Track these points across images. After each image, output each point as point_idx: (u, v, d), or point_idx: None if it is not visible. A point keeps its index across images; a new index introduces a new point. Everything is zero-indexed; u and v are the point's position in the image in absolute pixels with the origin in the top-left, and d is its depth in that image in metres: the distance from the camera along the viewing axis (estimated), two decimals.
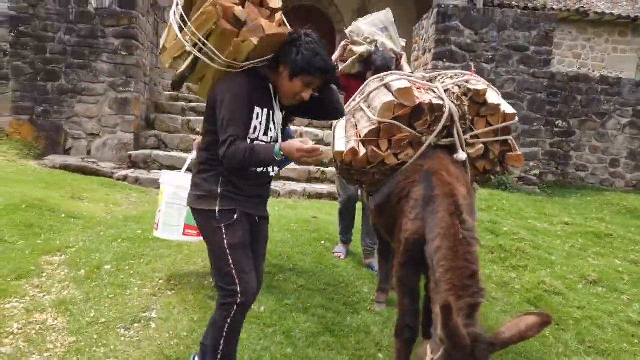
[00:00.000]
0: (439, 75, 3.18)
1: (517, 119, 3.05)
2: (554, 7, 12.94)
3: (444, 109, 2.78)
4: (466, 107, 2.88)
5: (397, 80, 2.89)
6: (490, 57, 8.48)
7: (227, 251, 2.20)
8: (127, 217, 5.04)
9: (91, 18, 7.95)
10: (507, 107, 2.96)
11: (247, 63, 2.23)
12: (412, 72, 3.70)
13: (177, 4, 2.24)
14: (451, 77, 3.06)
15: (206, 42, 2.16)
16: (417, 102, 2.76)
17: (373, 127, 2.78)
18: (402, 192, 2.77)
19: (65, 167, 7.30)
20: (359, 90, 3.22)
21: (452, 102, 2.84)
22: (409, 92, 2.75)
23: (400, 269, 2.72)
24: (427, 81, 3.06)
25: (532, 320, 2.05)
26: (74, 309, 3.07)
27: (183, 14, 2.20)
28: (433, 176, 2.62)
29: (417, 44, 9.71)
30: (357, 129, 2.92)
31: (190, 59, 2.24)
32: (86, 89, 7.99)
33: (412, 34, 10.07)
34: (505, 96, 7.90)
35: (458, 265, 2.24)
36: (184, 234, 3.42)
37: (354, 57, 4.16)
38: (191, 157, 3.47)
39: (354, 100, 3.18)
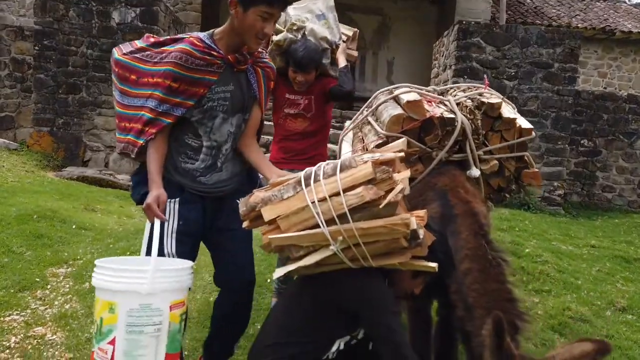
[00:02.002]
0: (451, 88, 3.04)
1: (534, 134, 2.88)
2: (579, 25, 12.72)
3: (456, 123, 2.64)
4: (479, 122, 2.72)
5: (406, 92, 2.77)
6: (513, 74, 8.31)
7: None
8: (138, 230, 4.98)
9: (113, 33, 8.08)
10: (523, 122, 2.81)
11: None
12: (346, 66, 3.17)
13: (341, 192, 1.79)
14: (464, 90, 2.92)
15: (365, 249, 1.82)
16: (427, 115, 2.62)
17: (380, 141, 2.65)
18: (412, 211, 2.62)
19: (83, 179, 7.35)
20: (367, 103, 3.09)
21: (464, 115, 2.70)
22: (418, 105, 2.61)
23: (412, 295, 2.56)
24: (439, 94, 2.93)
25: (587, 347, 1.86)
26: (74, 324, 2.99)
27: (347, 212, 1.77)
28: (449, 193, 2.47)
29: (438, 60, 9.60)
30: (364, 143, 2.79)
31: (324, 254, 1.83)
32: (106, 101, 8.09)
33: (432, 51, 9.97)
34: (528, 114, 7.79)
35: (493, 288, 2.07)
36: None
37: (271, 47, 3.17)
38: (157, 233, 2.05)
39: (361, 113, 3.05)
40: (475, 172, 2.68)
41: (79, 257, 4.01)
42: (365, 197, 1.76)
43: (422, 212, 2.03)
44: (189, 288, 2.08)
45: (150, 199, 2.04)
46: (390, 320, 1.87)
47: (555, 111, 8.34)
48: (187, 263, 2.09)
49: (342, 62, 3.19)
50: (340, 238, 1.79)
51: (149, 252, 2.14)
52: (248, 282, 2.37)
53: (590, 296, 4.48)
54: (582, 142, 9.13)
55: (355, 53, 3.45)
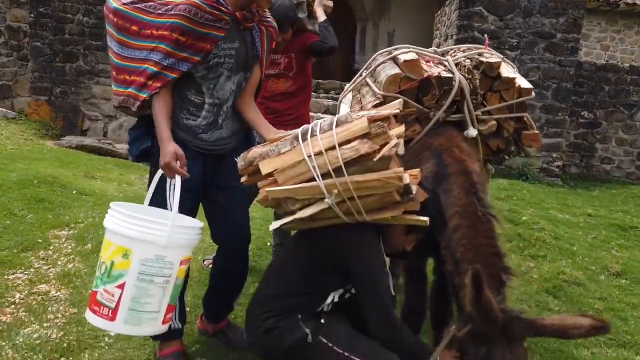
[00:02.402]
0: (451, 49, 3.02)
1: (533, 94, 2.88)
2: None
3: (453, 83, 2.63)
4: (477, 81, 2.71)
5: (405, 52, 2.75)
6: (515, 44, 8.22)
7: None
8: (139, 196, 5.01)
9: None
10: (522, 81, 2.80)
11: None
12: (326, 20, 3.10)
13: (336, 146, 1.82)
14: (463, 51, 2.90)
15: (359, 203, 1.84)
16: (425, 75, 2.61)
17: (378, 101, 2.65)
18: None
19: (82, 148, 7.35)
20: (366, 65, 3.07)
21: (462, 75, 2.69)
22: (416, 64, 2.60)
23: (404, 252, 2.61)
24: (440, 56, 2.91)
25: (584, 320, 1.89)
26: (78, 282, 3.04)
27: (343, 166, 1.81)
28: (444, 153, 2.49)
29: (439, 30, 9.49)
30: (362, 104, 2.79)
31: (319, 208, 1.87)
32: (103, 70, 8.02)
33: (433, 22, 9.84)
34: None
35: (480, 243, 2.11)
36: (163, 321, 2.03)
37: None
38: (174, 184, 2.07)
39: (360, 75, 3.04)
40: (472, 132, 2.69)
41: (80, 221, 4.05)
42: (360, 150, 1.78)
43: (415, 171, 2.07)
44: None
45: (168, 157, 2.02)
46: (379, 276, 1.92)
47: (557, 82, 8.29)
48: (199, 223, 2.14)
49: (321, 15, 3.11)
50: (335, 191, 1.81)
51: (152, 203, 2.20)
52: (246, 239, 2.41)
53: (585, 261, 4.55)
54: (582, 113, 9.10)
55: (330, 3, 3.34)
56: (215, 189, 2.34)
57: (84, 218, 4.12)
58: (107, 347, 2.43)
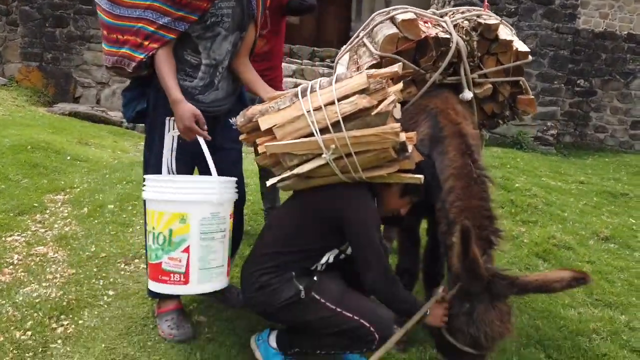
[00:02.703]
0: (450, 11, 2.98)
1: (530, 57, 2.86)
2: None
3: (451, 44, 2.61)
4: (475, 43, 2.69)
5: (403, 12, 2.72)
6: (513, 10, 8.12)
7: None
8: (134, 162, 5.01)
9: None
10: (520, 44, 2.78)
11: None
12: None
13: (335, 101, 1.82)
14: (462, 13, 2.87)
15: (355, 159, 1.86)
16: (422, 35, 2.59)
17: (374, 62, 2.63)
18: None
19: (75, 115, 7.28)
20: (363, 25, 3.03)
21: (460, 37, 2.67)
22: (414, 24, 2.57)
23: (398, 215, 2.65)
24: (439, 17, 2.88)
25: (565, 274, 1.94)
26: (75, 244, 3.07)
27: (341, 121, 1.81)
28: (439, 115, 2.49)
29: None
30: (358, 64, 2.77)
31: (317, 164, 1.88)
32: (95, 36, 7.87)
33: None
34: None
35: (473, 205, 2.15)
36: (227, 273, 2.17)
37: None
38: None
39: (357, 35, 3.01)
40: (467, 94, 2.69)
41: (75, 186, 4.05)
42: (359, 105, 1.79)
43: (411, 134, 2.09)
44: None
45: (187, 120, 2.01)
46: (372, 232, 1.95)
47: (554, 50, 8.23)
48: (233, 179, 2.19)
49: None
50: (333, 146, 1.83)
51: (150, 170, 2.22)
52: (241, 199, 2.43)
53: (575, 227, 4.63)
54: (578, 82, 9.07)
55: None
56: (212, 151, 2.34)
57: (79, 183, 4.12)
58: (106, 306, 2.48)
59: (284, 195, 3.90)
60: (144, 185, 2.06)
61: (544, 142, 8.46)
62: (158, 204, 2.00)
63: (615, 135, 9.20)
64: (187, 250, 1.96)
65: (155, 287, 2.07)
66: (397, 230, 2.76)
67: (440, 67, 2.62)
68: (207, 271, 2.01)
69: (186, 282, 1.99)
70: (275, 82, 3.07)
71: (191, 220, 1.95)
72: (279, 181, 2.00)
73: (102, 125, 7.09)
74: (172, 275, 1.99)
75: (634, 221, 5.02)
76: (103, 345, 2.18)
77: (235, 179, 2.18)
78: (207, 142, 2.32)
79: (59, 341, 2.19)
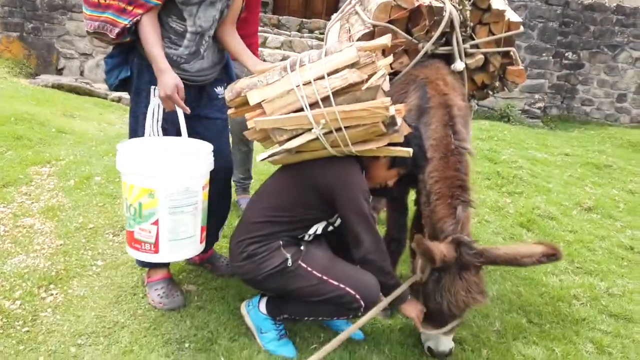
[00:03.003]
0: None
1: (522, 28, 2.86)
2: None
3: (444, 13, 2.59)
4: (468, 13, 2.68)
5: None
6: None
7: None
8: (120, 135, 4.96)
9: None
10: (512, 15, 2.77)
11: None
12: None
13: (325, 75, 1.82)
14: None
15: (345, 134, 1.85)
16: (416, 4, 2.57)
17: (367, 30, 2.61)
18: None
19: (58, 87, 7.15)
20: None
21: (453, 6, 2.65)
22: None
23: (386, 187, 2.67)
24: None
25: (537, 248, 1.99)
26: (62, 215, 3.06)
27: (331, 95, 1.80)
28: (428, 86, 2.49)
29: None
30: (350, 33, 2.75)
31: (307, 138, 1.87)
32: (77, 5, 7.66)
33: None
34: None
35: (448, 175, 2.18)
36: (201, 240, 2.18)
37: None
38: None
39: (349, 3, 2.97)
40: (459, 65, 2.69)
41: (61, 158, 4.01)
42: (348, 79, 1.78)
43: (400, 106, 2.09)
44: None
45: (169, 89, 2.00)
46: (361, 202, 1.97)
47: (543, 22, 8.20)
48: (209, 146, 2.15)
49: None
50: (323, 121, 1.82)
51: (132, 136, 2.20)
52: (226, 168, 2.43)
53: (559, 197, 4.71)
54: (566, 54, 9.08)
55: None
56: (197, 120, 2.32)
57: (65, 155, 4.07)
58: (95, 275, 2.50)
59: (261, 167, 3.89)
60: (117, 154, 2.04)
61: (531, 115, 8.51)
62: (129, 176, 1.99)
63: (602, 108, 9.28)
64: (156, 223, 1.98)
65: (130, 252, 2.12)
66: (386, 200, 2.79)
67: (433, 37, 2.61)
68: (176, 242, 2.04)
69: (156, 251, 2.03)
70: (253, 48, 3.03)
71: (159, 196, 1.95)
72: (269, 156, 1.99)
73: (86, 97, 6.97)
74: (143, 244, 2.03)
75: (616, 192, 5.12)
76: (93, 314, 2.21)
77: (210, 147, 2.15)
78: (192, 111, 2.30)
79: (49, 310, 2.21)
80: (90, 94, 7.18)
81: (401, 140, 1.96)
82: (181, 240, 2.05)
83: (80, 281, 2.44)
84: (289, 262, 1.98)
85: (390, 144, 1.95)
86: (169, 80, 2.01)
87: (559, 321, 2.71)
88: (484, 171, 5.13)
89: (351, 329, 1.91)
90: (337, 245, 2.20)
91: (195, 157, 2.05)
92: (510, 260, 2.01)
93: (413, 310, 2.12)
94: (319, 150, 1.95)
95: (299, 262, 1.99)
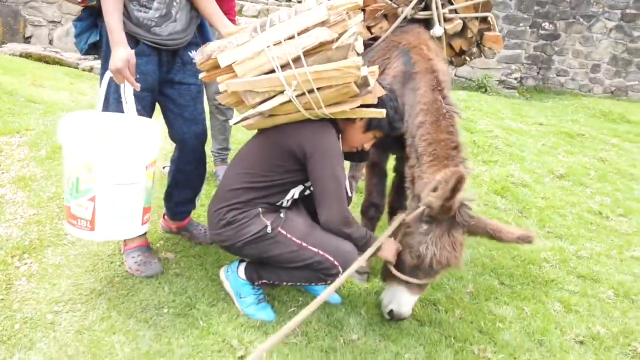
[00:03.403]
0: None
1: None
2: None
3: None
4: None
5: None
6: None
7: None
8: (93, 105, 4.81)
9: None
10: None
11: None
12: None
13: (295, 34, 1.80)
14: None
15: (318, 95, 1.83)
16: None
17: None
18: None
19: (26, 56, 6.88)
20: None
21: None
22: None
23: (370, 149, 2.69)
24: None
25: (516, 230, 2.04)
26: (34, 185, 3.00)
27: (302, 56, 1.79)
28: (412, 51, 2.49)
29: None
30: None
31: (280, 101, 1.86)
32: None
33: None
34: None
35: (441, 138, 2.19)
36: (142, 222, 2.10)
37: None
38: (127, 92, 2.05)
39: None
40: (438, 30, 2.68)
41: (31, 128, 3.89)
42: (319, 38, 1.76)
43: (373, 68, 2.08)
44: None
45: (120, 62, 1.94)
46: (335, 166, 1.97)
47: None
48: (156, 124, 2.10)
49: None
50: (295, 82, 1.81)
51: (105, 108, 2.14)
52: (202, 134, 2.41)
53: (533, 165, 4.81)
54: (542, 24, 9.12)
55: None
56: (170, 86, 2.28)
57: (35, 125, 3.96)
58: (70, 244, 2.47)
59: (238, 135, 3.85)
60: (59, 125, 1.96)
61: (507, 85, 8.58)
62: (68, 149, 1.92)
63: (576, 79, 9.41)
64: (93, 199, 1.91)
65: (67, 227, 2.05)
66: (366, 166, 2.81)
67: (413, 1, 2.59)
68: (114, 220, 1.96)
69: (92, 229, 1.95)
70: (231, 15, 2.97)
71: (97, 171, 1.88)
72: (242, 119, 1.97)
73: (56, 66, 6.74)
74: (79, 220, 1.95)
75: (587, 160, 5.25)
76: (69, 282, 2.19)
77: (157, 126, 2.11)
78: (166, 77, 2.25)
79: (23, 279, 2.18)
80: (60, 63, 6.94)
81: (374, 101, 1.97)
82: (119, 219, 1.97)
83: (55, 250, 2.42)
84: (269, 229, 1.99)
85: (363, 106, 1.95)
86: (121, 54, 1.95)
87: (529, 282, 2.81)
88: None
89: (327, 292, 1.93)
90: (315, 212, 2.21)
91: (139, 134, 1.99)
92: (494, 231, 2.04)
93: (389, 252, 2.12)
94: (292, 114, 1.94)
95: (279, 229, 2.00)
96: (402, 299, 2.15)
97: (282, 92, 1.85)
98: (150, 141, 2.04)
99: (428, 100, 2.28)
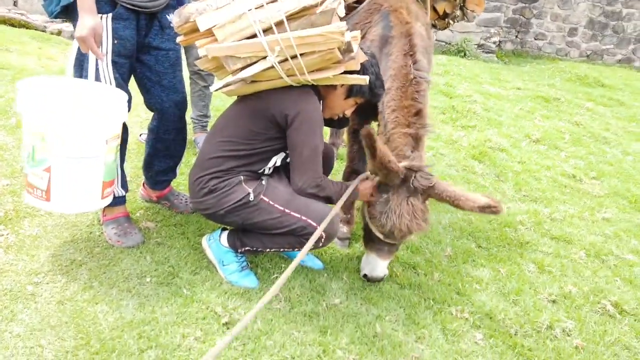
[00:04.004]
0: None
1: None
2: None
3: None
4: None
5: None
6: None
7: None
8: (64, 71, 4.66)
9: None
10: None
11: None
12: None
13: None
14: None
15: (301, 61, 1.80)
16: None
17: None
18: None
19: None
20: None
21: None
22: None
23: (351, 115, 2.67)
24: None
25: (483, 198, 2.04)
26: (6, 155, 2.91)
27: (285, 20, 1.74)
28: (391, 15, 2.44)
29: None
30: None
31: (262, 67, 1.81)
32: None
33: None
34: None
35: (405, 105, 2.19)
36: (102, 197, 2.04)
37: None
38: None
39: None
40: None
41: (0, 95, 3.75)
42: (302, 2, 1.72)
43: (355, 33, 2.04)
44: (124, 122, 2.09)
45: (85, 30, 1.87)
46: (315, 132, 1.96)
47: None
48: (123, 95, 2.03)
49: None
50: (278, 48, 1.77)
51: (79, 73, 2.07)
52: (181, 102, 2.36)
53: (510, 130, 4.88)
54: None
55: None
56: (147, 52, 2.21)
57: (4, 92, 3.81)
58: (47, 215, 2.42)
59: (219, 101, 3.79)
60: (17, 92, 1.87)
61: (486, 49, 8.57)
62: (25, 116, 1.84)
63: (553, 43, 9.45)
64: (48, 170, 1.86)
65: (24, 196, 2.02)
66: (347, 133, 2.80)
67: None
68: (70, 193, 1.91)
69: (47, 199, 1.91)
70: None
71: (52, 142, 1.81)
72: (223, 86, 1.93)
73: (22, 29, 6.42)
74: (35, 189, 1.91)
75: (562, 124, 5.34)
76: (48, 253, 2.17)
77: (126, 96, 2.05)
78: (143, 41, 2.17)
79: (0, 250, 2.14)
80: (26, 26, 6.61)
81: (357, 67, 1.94)
82: (75, 192, 1.92)
83: (32, 221, 2.37)
84: (251, 197, 1.98)
85: (346, 72, 1.93)
86: (87, 21, 1.88)
87: (505, 245, 2.89)
88: (439, 106, 5.21)
89: (307, 247, 1.91)
90: None
91: (103, 105, 1.92)
92: (453, 198, 2.04)
93: (365, 194, 2.13)
94: (274, 80, 1.90)
95: (261, 196, 2.00)
96: (373, 264, 2.22)
97: (264, 57, 1.81)
98: (114, 113, 1.96)
99: (398, 66, 2.27)
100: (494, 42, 8.58)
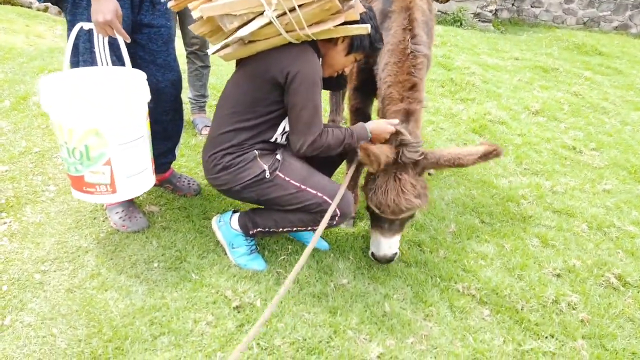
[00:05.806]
0: None
1: None
2: None
3: None
4: None
5: None
6: None
7: None
8: (53, 49, 4.55)
9: None
10: None
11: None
12: None
13: None
14: None
15: (300, 13, 1.73)
16: None
17: None
18: None
19: None
20: None
21: None
22: None
23: (353, 93, 2.63)
24: None
25: (478, 147, 2.04)
26: (3, 140, 2.85)
27: None
28: None
29: None
30: None
31: (260, 23, 1.75)
32: None
33: None
34: None
35: (400, 80, 2.16)
36: (153, 172, 2.14)
37: None
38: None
39: None
40: None
41: None
42: None
43: None
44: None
45: (110, 14, 1.80)
46: (315, 89, 1.91)
47: None
48: (140, 73, 2.00)
49: None
50: (275, 1, 1.71)
51: (75, 59, 2.02)
52: (177, 81, 2.31)
53: (509, 102, 4.84)
54: None
55: None
56: (139, 30, 2.14)
57: None
58: (49, 201, 2.40)
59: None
60: (41, 91, 1.83)
61: (482, 18, 8.44)
62: (64, 117, 1.80)
63: (550, 10, 9.31)
64: (108, 163, 1.89)
65: (81, 196, 2.00)
66: (349, 111, 2.77)
67: None
68: (132, 177, 1.98)
69: (114, 191, 1.95)
70: None
71: (107, 135, 1.83)
72: (221, 48, 1.88)
73: (7, 6, 6.25)
74: (97, 186, 1.93)
75: (561, 95, 5.31)
76: (53, 240, 2.15)
77: (144, 75, 2.00)
78: (135, 19, 2.11)
79: (5, 239, 2.12)
80: (11, 2, 6.43)
81: (357, 17, 1.89)
82: (137, 175, 1.99)
83: (34, 207, 2.34)
84: (267, 174, 1.97)
85: (346, 23, 1.88)
86: (108, 5, 1.80)
87: (508, 219, 2.90)
88: (438, 79, 5.15)
89: (321, 227, 1.88)
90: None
91: (135, 87, 1.92)
92: (453, 159, 2.04)
93: (382, 131, 2.07)
94: (273, 37, 1.84)
95: (277, 172, 1.99)
96: (377, 242, 2.22)
97: (261, 13, 1.75)
98: (144, 91, 1.96)
99: (396, 41, 2.23)
100: (490, 11, 8.44)
